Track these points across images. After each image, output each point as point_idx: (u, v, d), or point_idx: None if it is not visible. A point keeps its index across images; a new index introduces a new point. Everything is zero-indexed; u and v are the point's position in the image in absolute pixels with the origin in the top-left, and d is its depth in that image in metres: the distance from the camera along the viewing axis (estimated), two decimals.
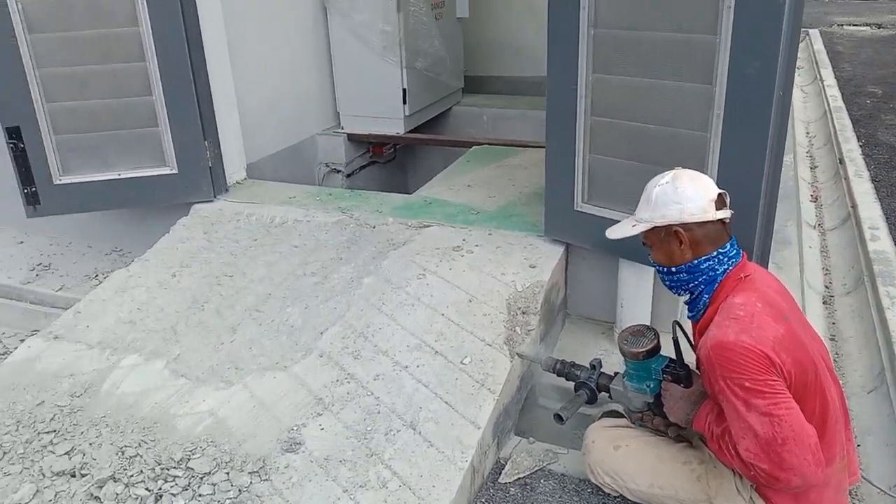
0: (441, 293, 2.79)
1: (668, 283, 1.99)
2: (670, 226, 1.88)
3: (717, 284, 1.88)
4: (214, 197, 3.63)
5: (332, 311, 2.75)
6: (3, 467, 2.26)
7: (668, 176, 1.92)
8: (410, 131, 5.00)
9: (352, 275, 2.95)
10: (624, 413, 2.29)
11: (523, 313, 2.68)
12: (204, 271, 3.09)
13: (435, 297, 2.77)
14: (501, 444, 2.49)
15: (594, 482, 2.16)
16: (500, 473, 2.36)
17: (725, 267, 1.88)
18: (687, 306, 2.01)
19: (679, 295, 2.01)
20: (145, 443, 2.26)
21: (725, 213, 1.88)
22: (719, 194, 1.89)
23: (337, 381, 2.44)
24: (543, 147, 2.96)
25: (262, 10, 4.24)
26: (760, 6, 2.20)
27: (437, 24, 5.03)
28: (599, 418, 2.33)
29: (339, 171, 4.94)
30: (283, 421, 2.30)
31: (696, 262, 1.88)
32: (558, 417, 2.17)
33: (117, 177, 3.46)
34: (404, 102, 4.80)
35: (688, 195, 1.86)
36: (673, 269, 1.93)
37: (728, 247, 1.88)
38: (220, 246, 3.27)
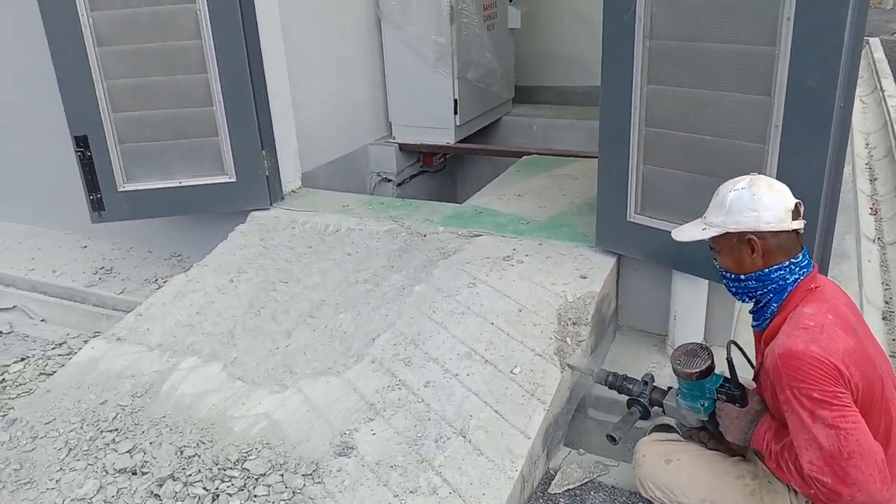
0: (491, 302, 2.80)
1: (733, 289, 1.95)
2: (744, 233, 1.83)
3: (786, 294, 1.85)
4: (271, 205, 3.72)
5: (384, 318, 2.79)
6: (69, 463, 2.35)
7: (744, 181, 1.87)
8: (460, 141, 5.04)
9: (403, 282, 2.99)
10: (676, 427, 2.26)
11: (574, 324, 2.68)
12: (260, 277, 3.17)
13: (485, 305, 2.79)
14: (551, 455, 2.48)
15: (645, 496, 2.13)
16: (550, 484, 2.36)
17: (796, 277, 1.84)
18: (752, 315, 1.98)
19: (743, 301, 1.97)
20: (203, 443, 2.33)
21: (801, 224, 1.84)
22: (796, 204, 1.85)
23: (388, 387, 2.47)
24: (594, 157, 2.96)
25: (317, 23, 4.34)
26: (821, 17, 2.17)
27: (489, 35, 5.06)
28: (650, 432, 2.31)
29: (390, 181, 5.00)
30: (335, 425, 2.34)
31: (766, 270, 1.84)
32: (611, 438, 2.15)
33: (178, 185, 3.58)
34: (455, 113, 4.85)
35: (765, 203, 1.81)
36: (742, 277, 1.88)
37: (800, 257, 1.84)
38: (276, 252, 3.35)
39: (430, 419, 2.33)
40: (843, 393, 1.66)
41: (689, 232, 1.96)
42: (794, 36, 2.23)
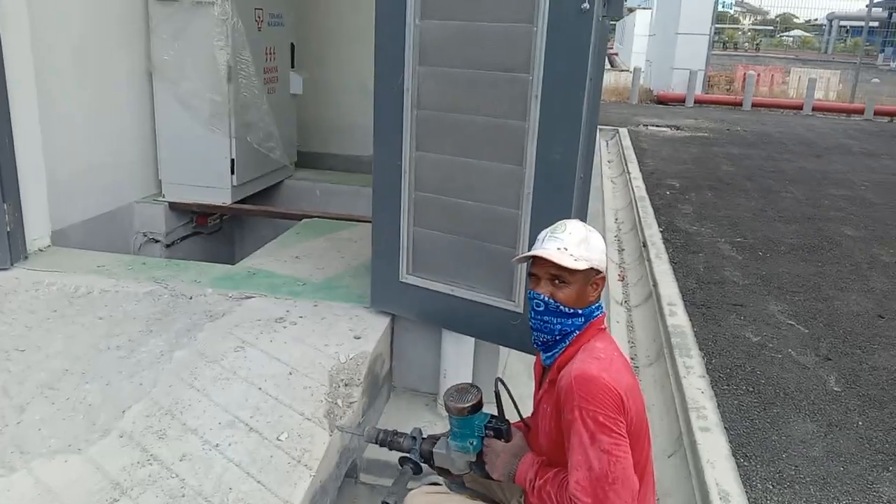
0: (259, 366, 2.68)
1: (558, 324, 1.94)
2: (598, 271, 1.92)
3: (582, 329, 1.96)
4: (11, 264, 3.31)
5: (138, 388, 2.55)
6: None
7: (581, 223, 1.97)
8: (238, 202, 4.88)
9: (162, 348, 2.77)
10: (445, 484, 2.28)
11: (346, 385, 2.64)
12: None
13: (253, 370, 2.66)
14: None
15: None
16: None
17: (598, 313, 1.97)
18: (542, 349, 2.01)
19: (545, 338, 1.97)
20: None
21: None
22: None
23: (138, 463, 2.24)
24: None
25: (84, 75, 4.06)
26: (562, 97, 2.42)
27: (269, 98, 5.03)
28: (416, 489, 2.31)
29: (157, 241, 4.69)
30: None
31: (591, 307, 1.94)
32: None
33: None
34: (232, 172, 4.71)
35: (602, 246, 1.94)
36: (579, 311, 1.92)
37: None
38: (14, 317, 2.96)
39: (184, 496, 2.14)
40: (622, 422, 1.78)
41: (556, 255, 1.87)
42: (542, 113, 2.46)
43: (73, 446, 2.30)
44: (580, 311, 1.92)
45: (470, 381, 2.19)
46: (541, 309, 1.93)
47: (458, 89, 2.63)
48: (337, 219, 4.62)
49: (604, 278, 1.94)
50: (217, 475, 2.22)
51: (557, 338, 1.96)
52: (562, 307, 1.91)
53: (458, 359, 2.92)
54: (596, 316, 1.98)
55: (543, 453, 1.98)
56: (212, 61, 4.49)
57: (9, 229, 3.26)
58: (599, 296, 1.98)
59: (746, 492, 2.90)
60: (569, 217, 2.47)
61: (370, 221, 4.35)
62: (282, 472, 2.26)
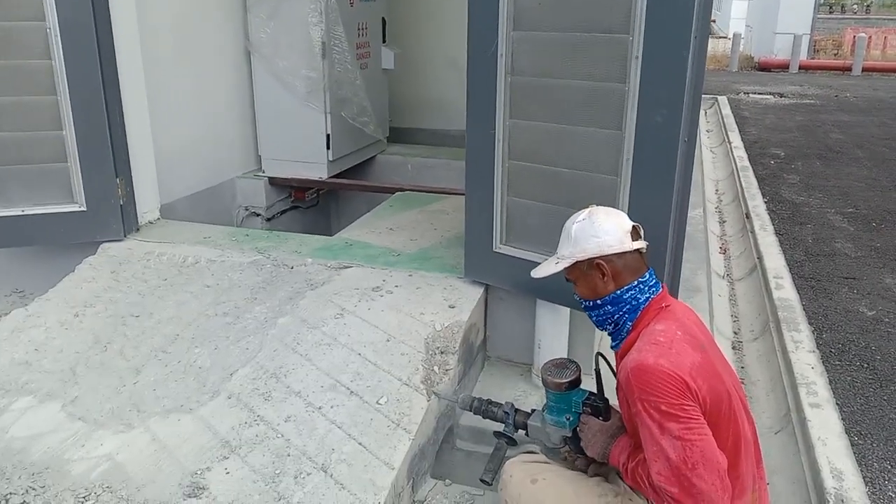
0: (358, 333, 2.74)
1: (594, 317, 2.02)
2: (592, 259, 1.92)
3: (639, 313, 1.93)
4: (125, 236, 3.50)
5: (244, 352, 2.66)
6: None
7: (584, 213, 1.99)
8: (334, 176, 4.99)
9: (266, 315, 2.87)
10: (541, 451, 2.28)
11: (442, 353, 2.66)
12: (109, 311, 2.95)
13: (352, 336, 2.72)
14: (417, 487, 2.43)
15: None
16: None
17: (648, 296, 1.93)
18: (611, 337, 2.04)
19: (605, 330, 2.04)
20: (34, 489, 2.10)
21: (641, 244, 1.95)
22: (633, 226, 1.95)
23: (245, 423, 2.34)
24: (464, 194, 3.00)
25: (185, 54, 4.21)
26: (666, 57, 2.32)
27: (363, 73, 5.08)
28: (513, 457, 2.31)
29: (258, 215, 4.86)
30: (185, 465, 2.18)
31: (619, 292, 1.93)
32: (485, 482, 2.16)
33: (20, 213, 3.30)
34: (328, 148, 4.80)
35: (605, 228, 1.92)
36: (598, 302, 1.96)
37: (647, 276, 1.94)
38: (128, 286, 3.14)
39: (289, 455, 2.22)
40: (689, 405, 1.73)
41: (544, 268, 2.05)
42: (643, 74, 2.37)
43: (185, 406, 2.43)
44: (605, 299, 1.95)
45: (568, 357, 2.17)
46: (581, 306, 2.06)
47: (553, 54, 2.57)
48: (429, 192, 4.65)
49: (602, 262, 1.92)
50: (320, 436, 2.29)
51: (612, 327, 2.00)
52: (586, 301, 2.01)
53: (553, 329, 2.89)
54: (641, 298, 1.94)
55: (632, 435, 1.95)
56: (306, 38, 4.57)
57: (122, 202, 3.45)
58: (626, 279, 1.93)
59: (861, 471, 2.75)
60: (671, 183, 2.40)
61: (461, 194, 4.37)
62: (382, 435, 2.31)
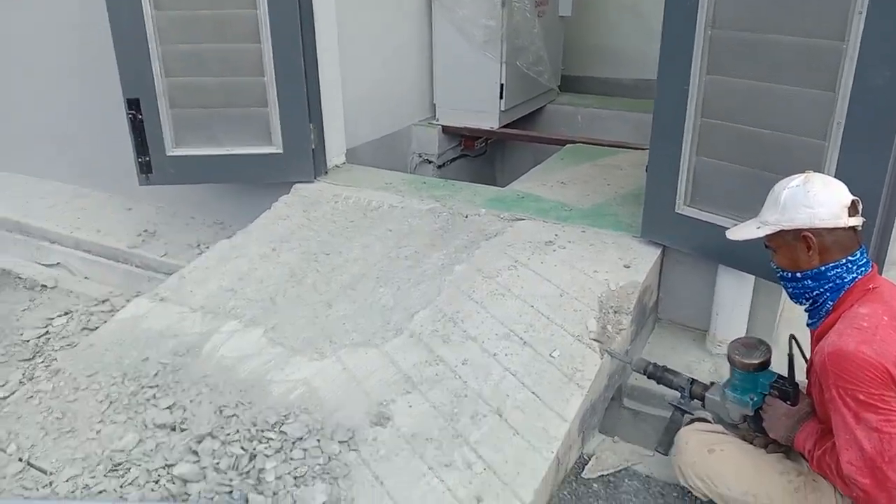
0: (532, 286, 2.79)
1: (790, 289, 1.93)
2: (799, 230, 1.82)
3: (842, 292, 1.82)
4: (315, 178, 3.74)
5: (424, 295, 2.79)
6: (110, 415, 2.40)
7: (798, 178, 1.86)
8: (503, 126, 5.01)
9: (443, 261, 2.99)
10: (714, 422, 2.24)
11: (615, 313, 2.66)
12: (302, 248, 3.19)
13: (525, 288, 2.78)
14: (586, 440, 2.47)
15: (683, 484, 2.12)
16: (584, 468, 2.35)
17: (854, 275, 1.81)
18: (807, 314, 1.95)
19: (800, 304, 1.95)
20: (242, 404, 2.36)
21: (858, 221, 1.81)
22: (853, 201, 1.82)
23: (426, 362, 2.48)
24: (641, 149, 2.93)
25: (370, 3, 4.34)
26: (894, 12, 2.11)
27: (540, 21, 5.02)
28: (687, 424, 2.29)
29: (430, 162, 5.00)
30: (372, 395, 2.35)
31: (823, 268, 1.82)
32: (659, 452, 2.18)
33: (226, 153, 3.61)
34: (501, 97, 4.82)
35: (820, 199, 1.80)
36: (798, 275, 1.87)
37: (858, 255, 1.82)
38: (319, 225, 3.37)
39: (466, 396, 2.34)
40: (891, 396, 1.63)
41: (743, 231, 1.96)
42: (865, 31, 2.17)
43: (372, 341, 2.60)
44: (806, 273, 1.85)
45: (759, 337, 2.10)
46: (776, 275, 1.96)
47: (761, 7, 2.40)
48: (601, 145, 4.56)
49: (811, 235, 1.79)
50: (495, 381, 2.38)
51: (809, 304, 1.90)
52: (784, 272, 1.91)
53: (736, 297, 2.78)
54: (847, 278, 1.81)
55: (822, 421, 1.86)
56: None
57: (313, 147, 3.67)
58: (833, 256, 1.80)
59: None
60: (887, 152, 2.21)
61: (636, 148, 4.28)
62: (555, 387, 2.36)
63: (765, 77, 2.44)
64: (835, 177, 2.29)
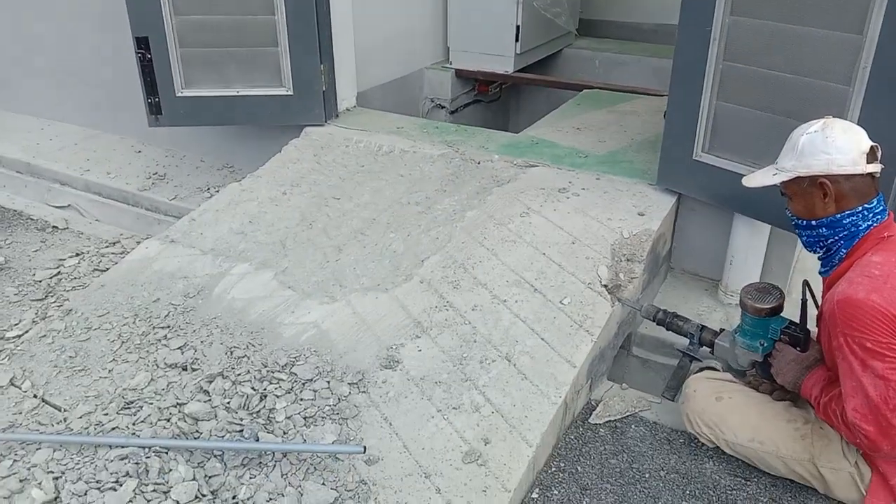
0: (544, 233, 2.76)
1: (805, 237, 1.90)
2: (816, 177, 1.77)
3: (857, 240, 1.78)
4: (325, 121, 3.69)
5: (434, 241, 2.77)
6: (122, 355, 2.42)
7: (817, 124, 1.81)
8: (519, 70, 4.90)
9: (455, 207, 2.96)
10: (722, 370, 2.23)
11: (628, 261, 2.63)
12: (313, 192, 3.17)
13: (537, 236, 2.75)
14: (594, 386, 2.48)
15: (690, 431, 2.12)
16: (591, 414, 2.35)
17: (869, 223, 1.77)
18: (820, 262, 1.92)
19: (814, 252, 1.91)
20: (253, 346, 2.37)
21: (876, 168, 1.76)
22: (872, 147, 1.77)
23: (436, 307, 2.47)
24: (659, 95, 2.86)
25: None
26: None
27: None
28: (696, 373, 2.28)
29: (443, 107, 4.91)
30: (382, 339, 2.36)
31: (838, 216, 1.78)
32: (667, 398, 2.17)
33: (236, 94, 3.56)
34: (516, 40, 4.70)
35: (838, 145, 1.75)
36: (813, 223, 1.83)
37: (874, 202, 1.77)
38: (329, 169, 3.34)
39: (475, 341, 2.34)
40: None
41: (759, 178, 1.92)
42: None
43: (382, 286, 2.59)
44: (821, 221, 1.81)
45: (773, 283, 2.07)
46: (791, 223, 1.93)
47: None
48: (618, 90, 4.46)
49: (827, 182, 1.75)
50: (504, 327, 2.38)
51: (823, 251, 1.87)
52: (799, 220, 1.87)
53: (750, 246, 2.74)
54: (861, 225, 1.77)
55: (830, 368, 1.84)
56: None
57: (324, 89, 3.61)
58: (850, 203, 1.76)
59: None
60: None
61: (654, 94, 4.18)
62: (564, 334, 2.36)
63: (790, 18, 2.35)
64: (858, 122, 2.24)
